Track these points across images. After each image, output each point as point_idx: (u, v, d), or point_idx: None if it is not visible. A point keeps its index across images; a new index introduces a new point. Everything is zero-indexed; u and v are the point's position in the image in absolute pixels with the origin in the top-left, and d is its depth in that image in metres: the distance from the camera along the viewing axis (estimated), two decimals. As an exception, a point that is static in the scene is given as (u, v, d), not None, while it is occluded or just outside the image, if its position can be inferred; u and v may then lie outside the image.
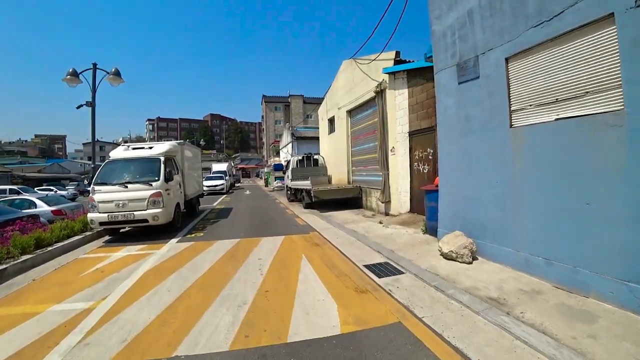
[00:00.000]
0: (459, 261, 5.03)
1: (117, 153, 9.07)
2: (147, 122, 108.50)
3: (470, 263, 4.98)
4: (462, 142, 5.72)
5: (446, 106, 6.14)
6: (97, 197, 7.75)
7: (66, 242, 7.07)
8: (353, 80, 13.22)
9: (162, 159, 8.51)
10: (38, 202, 10.27)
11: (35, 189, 24.59)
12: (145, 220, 7.68)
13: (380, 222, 8.88)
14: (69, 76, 9.02)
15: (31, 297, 4.34)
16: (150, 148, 9.11)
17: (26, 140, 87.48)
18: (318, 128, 39.07)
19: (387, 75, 10.20)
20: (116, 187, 7.80)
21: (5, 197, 13.85)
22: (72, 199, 22.91)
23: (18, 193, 16.84)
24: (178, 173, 9.52)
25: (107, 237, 8.33)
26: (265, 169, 42.51)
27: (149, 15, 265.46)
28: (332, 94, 16.09)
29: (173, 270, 5.25)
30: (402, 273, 4.83)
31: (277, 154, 45.47)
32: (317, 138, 28.50)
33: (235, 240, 7.28)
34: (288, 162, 16.22)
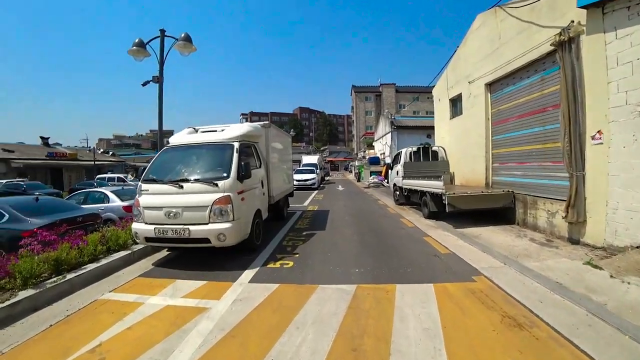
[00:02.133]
0: None
1: (178, 138, 6.78)
2: (240, 117, 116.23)
3: None
4: None
5: None
6: (142, 200, 5.53)
7: (102, 262, 5.17)
8: (499, 38, 9.16)
9: (236, 145, 5.94)
10: (111, 195, 9.04)
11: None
12: (206, 240, 5.18)
13: (590, 263, 5.02)
14: (135, 47, 7.30)
15: None
16: (223, 131, 6.70)
17: (142, 135, 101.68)
18: (417, 117, 34.44)
19: (585, 10, 6.07)
20: (168, 187, 5.44)
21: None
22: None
23: (123, 181, 17.08)
24: (261, 166, 7.08)
25: (164, 253, 6.31)
26: (356, 163, 39.72)
27: (244, 13, 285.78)
28: (456, 66, 12.10)
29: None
30: None
31: (369, 146, 42.25)
32: (421, 127, 24.40)
33: (349, 289, 4.25)
34: (397, 155, 12.91)
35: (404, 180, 11.61)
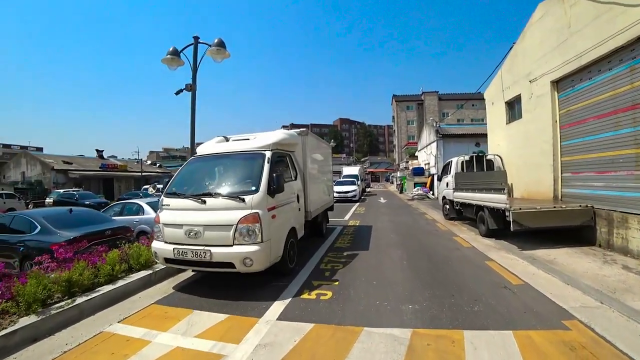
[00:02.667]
0: None
1: (206, 147, 6.28)
2: (281, 129, 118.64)
3: None
4: None
5: None
6: (163, 216, 5.02)
7: (119, 284, 4.75)
8: (568, 27, 7.92)
9: (268, 154, 5.31)
10: (146, 207, 8.97)
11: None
12: (230, 265, 4.52)
13: None
14: (169, 56, 7.18)
15: None
16: (255, 139, 6.12)
17: (188, 147, 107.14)
18: (462, 124, 32.32)
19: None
20: (190, 202, 4.87)
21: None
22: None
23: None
24: (297, 178, 6.39)
25: (189, 273, 5.77)
26: (398, 173, 38.28)
27: (283, 24, 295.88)
28: (513, 64, 10.84)
29: None
30: None
31: (412, 156, 40.58)
32: (468, 135, 22.67)
33: (402, 336, 3.33)
34: (447, 164, 11.78)
35: (455, 193, 10.46)
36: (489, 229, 8.06)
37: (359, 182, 24.39)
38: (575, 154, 8.13)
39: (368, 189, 37.40)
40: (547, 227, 7.06)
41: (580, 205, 7.19)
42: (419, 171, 25.51)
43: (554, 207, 7.13)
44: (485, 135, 22.74)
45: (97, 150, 43.51)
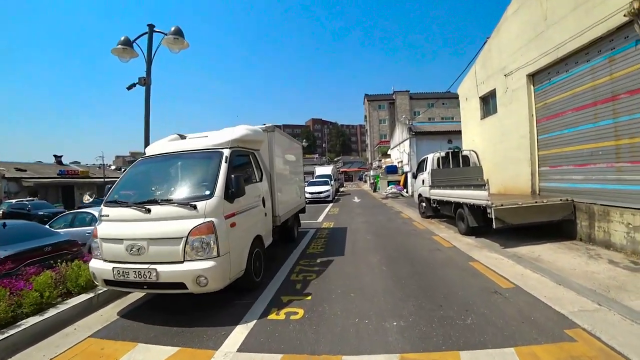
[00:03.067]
0: None
1: (156, 147, 5.40)
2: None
3: None
4: None
5: None
6: (101, 229, 4.14)
7: (50, 314, 3.79)
8: (544, 19, 7.74)
9: (226, 153, 4.53)
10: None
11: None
12: (181, 286, 3.71)
13: None
14: (120, 46, 6.20)
15: None
16: (213, 136, 5.22)
17: None
18: (434, 122, 32.70)
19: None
20: (132, 212, 4.03)
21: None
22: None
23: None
24: (262, 179, 5.59)
25: (138, 294, 4.74)
26: (371, 172, 38.22)
27: (252, 22, 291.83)
28: (487, 59, 10.66)
29: None
30: None
31: (384, 155, 40.74)
32: (440, 133, 22.82)
33: None
34: (422, 161, 11.42)
35: (432, 190, 10.10)
36: (469, 227, 7.70)
37: (332, 182, 23.86)
38: (552, 148, 7.96)
39: (342, 189, 37.08)
40: (529, 223, 6.76)
41: (560, 199, 6.96)
42: (392, 169, 25.40)
43: (535, 202, 6.84)
44: (457, 132, 22.95)
45: (55, 156, 40.04)
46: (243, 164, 5.14)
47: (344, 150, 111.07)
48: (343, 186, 42.45)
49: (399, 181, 23.96)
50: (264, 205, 5.47)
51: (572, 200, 6.94)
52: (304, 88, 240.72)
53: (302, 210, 9.18)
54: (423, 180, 11.02)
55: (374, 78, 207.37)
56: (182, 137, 5.69)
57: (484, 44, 10.97)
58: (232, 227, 4.12)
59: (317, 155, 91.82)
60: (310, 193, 19.75)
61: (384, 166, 29.55)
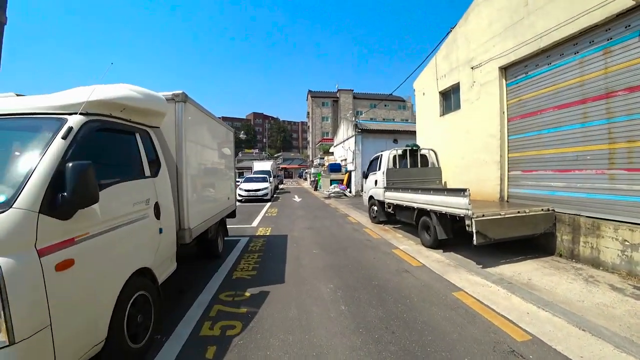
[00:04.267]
0: None
1: None
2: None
3: None
4: None
5: None
6: None
7: None
8: (525, 5, 6.76)
9: (71, 124, 2.36)
10: None
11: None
12: None
13: None
14: None
15: None
16: (55, 95, 2.66)
17: None
18: (377, 121, 32.31)
19: None
20: None
21: None
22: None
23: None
24: (157, 174, 3.40)
25: None
26: (312, 170, 36.76)
27: (192, 14, 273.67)
28: (453, 49, 9.61)
29: None
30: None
31: (326, 152, 39.64)
32: (387, 132, 22.13)
33: None
34: (375, 159, 9.98)
35: (387, 193, 8.70)
36: (436, 239, 6.39)
37: (271, 178, 21.74)
38: (527, 150, 7.01)
39: (281, 186, 35.08)
40: (510, 237, 5.60)
41: (542, 209, 5.94)
42: (335, 167, 24.11)
43: (518, 212, 5.70)
44: (402, 132, 22.63)
45: None
46: (116, 147, 2.94)
47: (285, 147, 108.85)
48: (283, 183, 40.44)
49: (342, 180, 22.76)
50: (157, 217, 3.28)
51: (554, 211, 5.98)
52: (245, 80, 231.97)
53: (232, 214, 7.05)
54: (376, 181, 9.61)
55: (319, 76, 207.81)
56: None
57: (448, 34, 9.93)
58: (61, 273, 1.97)
59: (256, 150, 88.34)
60: (246, 190, 17.43)
61: (326, 164, 28.22)
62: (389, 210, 8.74)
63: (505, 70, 7.58)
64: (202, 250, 5.57)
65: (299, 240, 7.66)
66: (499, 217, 5.46)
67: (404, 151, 9.30)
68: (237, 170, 47.35)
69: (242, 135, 28.44)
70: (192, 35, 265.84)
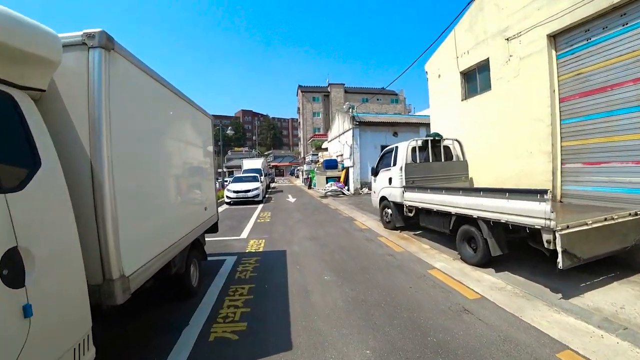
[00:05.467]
0: None
1: None
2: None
3: None
4: None
5: None
6: None
7: None
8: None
9: None
10: None
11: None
12: None
13: None
14: None
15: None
16: None
17: None
18: (377, 114, 30.51)
19: None
20: None
21: None
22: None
23: None
24: (22, 185, 1.61)
25: None
26: (305, 167, 35.04)
27: (178, 8, 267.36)
28: (479, 19, 8.06)
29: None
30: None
31: (318, 148, 37.96)
32: (385, 124, 20.42)
33: None
34: (388, 153, 8.36)
35: (408, 194, 7.12)
36: (486, 256, 4.85)
37: (262, 177, 19.98)
38: (590, 136, 5.51)
39: (273, 185, 33.34)
40: (599, 255, 4.08)
41: (630, 214, 4.43)
42: (331, 164, 22.48)
43: (605, 219, 4.18)
44: (403, 125, 21.08)
45: None
46: None
47: (275, 144, 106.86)
48: (274, 182, 38.66)
49: (339, 177, 21.16)
50: (14, 281, 1.49)
51: (645, 216, 4.49)
52: (234, 78, 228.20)
53: (212, 229, 5.35)
54: (390, 179, 8.02)
55: (307, 72, 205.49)
56: None
57: (469, 3, 8.38)
58: None
59: (246, 148, 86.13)
60: (234, 192, 15.64)
61: (321, 160, 26.59)
62: (409, 214, 7.18)
63: (555, 38, 6.07)
64: (171, 290, 3.89)
65: (301, 257, 6.02)
66: (586, 227, 3.93)
67: (424, 142, 7.72)
68: (226, 170, 45.12)
69: (229, 131, 26.56)
70: (176, 26, 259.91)
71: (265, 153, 76.35)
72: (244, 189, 15.74)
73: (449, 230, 5.83)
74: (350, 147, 19.86)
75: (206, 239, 5.17)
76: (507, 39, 7.02)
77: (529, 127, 6.48)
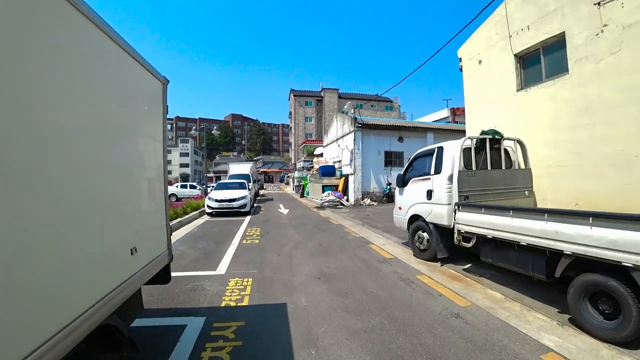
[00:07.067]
0: None
1: None
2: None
3: None
4: None
5: None
6: None
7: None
8: None
9: None
10: None
11: None
12: None
13: None
14: None
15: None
16: None
17: None
18: (379, 118, 28.45)
19: None
20: None
21: None
22: None
23: None
24: None
25: None
26: (296, 174, 32.83)
27: (171, 12, 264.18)
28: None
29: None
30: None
31: (310, 154, 35.86)
32: (390, 127, 18.28)
33: None
34: (425, 155, 6.19)
35: (463, 214, 4.99)
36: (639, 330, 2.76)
37: (250, 184, 17.66)
38: None
39: (262, 192, 31.01)
40: None
41: None
42: (328, 171, 20.27)
43: None
44: (409, 129, 18.96)
45: None
46: None
47: (265, 150, 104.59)
48: (263, 188, 36.31)
49: (337, 186, 19.00)
50: None
51: None
52: (224, 82, 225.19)
53: (163, 279, 3.10)
54: (429, 192, 5.88)
55: (299, 77, 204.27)
56: None
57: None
58: None
59: (235, 153, 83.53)
60: (216, 201, 13.22)
61: (316, 166, 24.41)
62: (465, 244, 5.05)
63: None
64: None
65: (313, 324, 3.67)
66: None
67: (481, 142, 5.62)
68: (214, 175, 42.31)
69: (214, 131, 24.18)
70: (165, 28, 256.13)
71: (255, 158, 74.00)
72: (228, 197, 13.34)
73: (546, 276, 3.72)
74: (351, 152, 17.78)
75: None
76: (599, 3, 5.06)
77: (637, 123, 4.48)
